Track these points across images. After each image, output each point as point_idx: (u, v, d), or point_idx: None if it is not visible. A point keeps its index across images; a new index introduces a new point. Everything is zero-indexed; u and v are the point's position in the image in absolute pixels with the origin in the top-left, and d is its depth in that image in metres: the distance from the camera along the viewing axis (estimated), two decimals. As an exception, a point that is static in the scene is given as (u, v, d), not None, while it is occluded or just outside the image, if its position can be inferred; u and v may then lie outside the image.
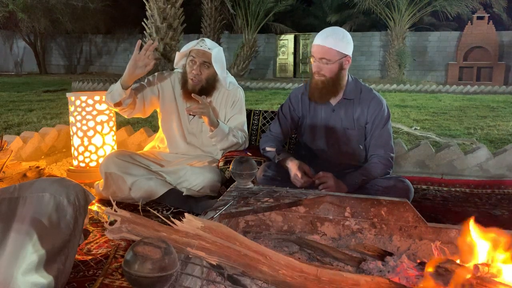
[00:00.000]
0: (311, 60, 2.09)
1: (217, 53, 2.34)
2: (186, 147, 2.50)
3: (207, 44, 2.35)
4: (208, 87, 2.39)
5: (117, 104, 2.33)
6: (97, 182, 2.51)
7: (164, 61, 11.83)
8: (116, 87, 2.28)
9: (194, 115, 2.47)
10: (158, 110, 2.56)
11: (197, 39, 2.47)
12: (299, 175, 1.96)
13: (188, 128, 2.51)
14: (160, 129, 2.60)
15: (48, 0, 16.46)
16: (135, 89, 2.40)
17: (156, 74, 2.54)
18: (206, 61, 2.33)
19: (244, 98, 2.53)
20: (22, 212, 1.29)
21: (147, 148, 2.70)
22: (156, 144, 2.64)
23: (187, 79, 2.36)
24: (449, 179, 3.00)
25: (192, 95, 2.25)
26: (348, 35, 2.07)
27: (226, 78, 2.46)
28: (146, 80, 2.50)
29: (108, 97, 2.35)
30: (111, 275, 1.59)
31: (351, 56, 2.08)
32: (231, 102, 2.47)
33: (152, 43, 2.22)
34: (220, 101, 2.48)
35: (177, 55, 2.48)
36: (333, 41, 2.01)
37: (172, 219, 1.05)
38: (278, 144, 2.25)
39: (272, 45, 17.56)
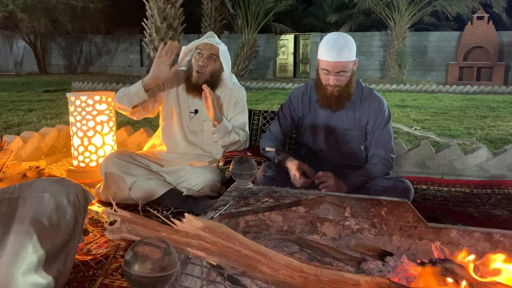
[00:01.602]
0: (322, 72, 2.05)
1: (224, 49, 2.38)
2: (187, 146, 2.50)
3: (216, 39, 2.39)
4: (211, 81, 2.40)
5: (135, 107, 2.34)
6: (98, 185, 2.50)
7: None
8: (136, 89, 2.28)
9: (196, 113, 2.48)
10: (160, 107, 2.56)
11: (197, 39, 2.48)
12: (298, 175, 1.96)
13: (189, 126, 2.51)
14: (160, 129, 2.60)
15: (48, 0, 16.45)
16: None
17: None
18: (213, 54, 2.35)
19: (246, 98, 2.54)
20: (22, 212, 1.29)
21: (146, 146, 2.70)
22: (155, 142, 2.63)
23: (192, 72, 2.38)
24: (449, 179, 3.00)
25: (203, 86, 2.26)
26: (352, 40, 2.04)
27: (231, 77, 2.48)
28: None
29: (123, 101, 2.32)
30: (111, 275, 1.59)
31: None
32: (234, 102, 2.48)
33: (176, 44, 2.22)
34: (223, 99, 2.49)
35: (182, 50, 2.49)
36: (348, 53, 1.98)
37: (172, 219, 1.05)
38: (278, 144, 2.25)
39: (272, 45, 17.56)
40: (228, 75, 2.45)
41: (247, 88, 11.77)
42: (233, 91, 2.49)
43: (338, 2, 16.80)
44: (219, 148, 2.51)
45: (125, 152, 2.46)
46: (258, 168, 2.04)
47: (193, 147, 2.51)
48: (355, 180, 2.04)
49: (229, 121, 2.47)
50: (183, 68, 2.50)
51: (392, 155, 2.14)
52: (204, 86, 2.26)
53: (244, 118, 2.52)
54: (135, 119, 2.49)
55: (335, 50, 1.97)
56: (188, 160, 2.46)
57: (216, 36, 2.43)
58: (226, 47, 2.43)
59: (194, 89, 2.40)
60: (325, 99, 2.11)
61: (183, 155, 2.50)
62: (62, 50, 20.62)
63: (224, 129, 2.33)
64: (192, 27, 15.25)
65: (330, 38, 2.02)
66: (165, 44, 2.25)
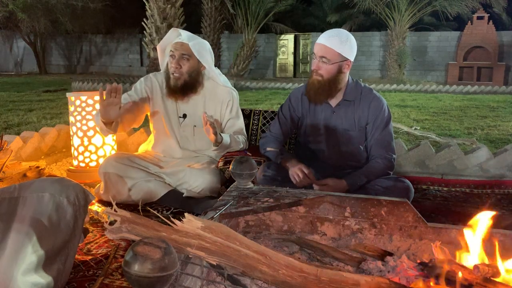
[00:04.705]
0: (313, 57, 2.08)
1: (196, 45, 2.25)
2: (181, 152, 2.45)
3: (184, 36, 2.26)
4: (191, 81, 2.31)
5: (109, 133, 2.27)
6: (98, 185, 2.49)
7: (164, 61, 11.80)
8: (101, 127, 2.21)
9: (184, 117, 2.42)
10: (148, 114, 2.49)
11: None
12: (300, 173, 1.96)
13: (180, 131, 2.45)
14: (152, 135, 2.54)
15: (48, 0, 16.44)
16: (123, 108, 2.28)
17: (142, 79, 2.47)
18: (184, 54, 2.24)
19: (238, 100, 2.47)
20: (22, 212, 1.29)
21: (140, 151, 2.63)
22: (148, 148, 2.57)
23: (170, 75, 2.30)
24: (449, 179, 3.00)
25: (203, 115, 2.10)
26: (353, 40, 2.05)
27: (217, 72, 2.41)
28: (133, 89, 2.44)
29: (99, 129, 2.28)
30: (111, 275, 1.59)
31: (352, 61, 2.06)
32: (226, 102, 2.41)
33: (116, 86, 2.08)
34: (209, 96, 2.41)
35: (158, 51, 2.41)
36: (336, 42, 2.00)
37: (172, 219, 1.05)
38: (279, 145, 2.24)
39: (272, 45, 17.56)
40: (211, 71, 2.36)
41: (247, 88, 11.78)
42: (223, 89, 2.41)
43: (338, 2, 16.78)
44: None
45: (123, 154, 2.43)
46: (258, 168, 2.04)
47: (188, 152, 2.46)
48: (357, 182, 2.04)
49: (225, 124, 2.43)
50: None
51: (394, 156, 2.14)
52: (203, 115, 2.11)
53: (240, 122, 2.46)
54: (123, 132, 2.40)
55: (326, 34, 2.04)
56: (186, 161, 2.42)
57: (183, 33, 2.28)
58: (201, 42, 2.30)
59: (174, 92, 2.32)
60: (307, 88, 2.15)
61: (179, 159, 2.46)
62: (62, 50, 20.60)
63: (224, 146, 2.27)
64: (192, 27, 15.23)
65: (331, 29, 2.09)
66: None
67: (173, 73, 2.28)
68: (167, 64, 2.35)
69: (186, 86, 2.31)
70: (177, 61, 2.25)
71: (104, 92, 2.05)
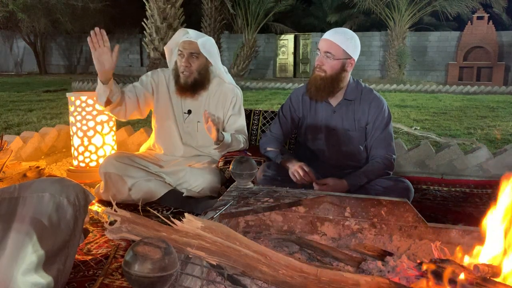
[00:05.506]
0: (317, 53, 2.09)
1: (204, 42, 2.29)
2: (183, 148, 2.46)
3: (192, 35, 2.31)
4: (201, 78, 2.35)
5: (107, 103, 2.24)
6: (98, 185, 2.50)
7: (164, 61, 11.82)
8: (98, 86, 2.21)
9: (189, 113, 2.45)
10: (152, 110, 2.52)
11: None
12: (300, 171, 1.96)
13: (184, 127, 2.47)
14: (154, 132, 2.56)
15: (48, 0, 16.45)
16: (126, 89, 2.36)
17: (149, 72, 2.51)
18: (193, 52, 2.29)
19: (242, 98, 2.50)
20: (22, 212, 1.29)
21: (142, 150, 2.65)
22: (150, 144, 2.59)
23: (179, 73, 2.34)
24: (449, 179, 3.00)
25: (204, 112, 2.17)
26: (357, 40, 2.08)
27: (223, 69, 2.44)
28: (139, 80, 2.47)
29: (98, 100, 2.28)
30: (111, 275, 1.59)
31: (355, 60, 2.08)
32: (230, 99, 2.43)
33: (99, 30, 2.04)
34: (214, 92, 2.43)
35: (165, 51, 2.45)
36: (341, 39, 2.02)
37: (172, 219, 1.05)
38: (279, 145, 2.24)
39: (272, 45, 17.56)
40: (218, 68, 2.40)
41: (247, 88, 11.78)
42: (228, 87, 2.44)
43: (338, 2, 16.78)
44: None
45: (123, 154, 2.44)
46: (258, 168, 2.04)
47: (190, 149, 2.47)
48: (358, 182, 2.04)
49: (227, 121, 2.45)
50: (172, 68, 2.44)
51: (394, 156, 2.15)
52: (204, 112, 2.17)
53: (242, 120, 2.47)
54: (123, 119, 2.41)
55: (332, 31, 2.07)
56: (186, 160, 2.43)
57: (191, 32, 2.34)
58: (208, 39, 2.34)
59: (184, 90, 2.36)
60: (309, 84, 2.15)
61: (180, 157, 2.47)
62: (62, 50, 20.61)
63: (226, 145, 2.29)
64: (192, 27, 15.02)
65: (337, 27, 2.13)
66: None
67: (183, 72, 2.31)
68: (175, 63, 2.38)
69: (196, 83, 2.35)
70: (186, 59, 2.29)
71: (93, 42, 2.03)
